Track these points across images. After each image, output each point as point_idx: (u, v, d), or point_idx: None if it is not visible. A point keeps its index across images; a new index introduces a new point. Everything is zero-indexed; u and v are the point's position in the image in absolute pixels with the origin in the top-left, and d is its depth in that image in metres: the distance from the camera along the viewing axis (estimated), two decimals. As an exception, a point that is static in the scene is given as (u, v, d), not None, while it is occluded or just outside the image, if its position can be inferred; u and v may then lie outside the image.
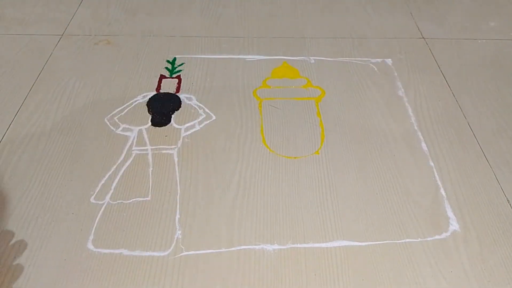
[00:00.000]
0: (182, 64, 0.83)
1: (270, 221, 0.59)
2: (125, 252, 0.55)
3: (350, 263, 0.55)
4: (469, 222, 0.60)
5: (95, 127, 0.70)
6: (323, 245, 0.57)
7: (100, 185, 0.62)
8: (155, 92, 0.76)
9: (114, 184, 0.62)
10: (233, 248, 0.56)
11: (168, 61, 0.83)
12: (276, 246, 0.57)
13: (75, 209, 0.59)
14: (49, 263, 0.53)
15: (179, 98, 0.75)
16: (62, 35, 0.89)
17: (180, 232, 0.57)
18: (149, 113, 0.73)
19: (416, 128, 0.73)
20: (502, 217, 0.61)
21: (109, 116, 0.72)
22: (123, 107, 0.74)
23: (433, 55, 0.88)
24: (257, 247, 0.56)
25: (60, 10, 0.95)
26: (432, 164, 0.67)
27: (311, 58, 0.85)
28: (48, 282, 0.52)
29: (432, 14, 0.99)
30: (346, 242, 0.57)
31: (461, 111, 0.76)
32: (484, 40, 0.92)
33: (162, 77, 0.80)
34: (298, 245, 0.57)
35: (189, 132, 0.70)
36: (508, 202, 0.63)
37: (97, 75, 0.80)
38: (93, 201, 0.60)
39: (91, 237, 0.56)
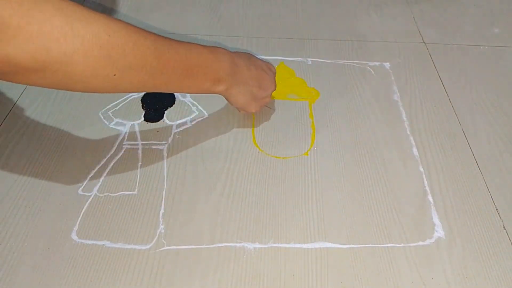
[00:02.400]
0: (179, 61, 0.83)
1: (253, 220, 0.59)
2: (108, 244, 0.56)
3: (330, 265, 0.55)
4: (455, 229, 0.60)
5: (89, 120, 0.71)
6: (305, 246, 0.57)
7: (88, 177, 0.63)
8: (150, 88, 0.77)
9: (102, 177, 0.63)
10: (213, 245, 0.56)
11: (166, 58, 0.84)
12: (257, 245, 0.57)
13: (62, 200, 0.60)
14: (32, 251, 0.54)
15: (173, 95, 0.76)
16: (65, 29, 0.90)
17: (163, 226, 0.58)
18: (142, 108, 0.74)
19: (408, 133, 0.72)
20: (489, 226, 0.60)
21: (103, 110, 0.73)
22: (118, 101, 0.75)
23: (432, 60, 0.87)
24: (238, 244, 0.57)
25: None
26: (422, 169, 0.67)
27: (308, 59, 0.85)
28: (30, 270, 0.53)
29: (435, 19, 0.98)
30: (328, 244, 0.57)
31: (457, 117, 0.75)
32: (487, 47, 0.91)
33: (158, 73, 0.80)
34: (279, 245, 0.57)
35: (180, 129, 0.71)
36: (497, 211, 0.62)
37: (95, 69, 0.81)
38: (81, 193, 0.61)
39: (76, 228, 0.57)
